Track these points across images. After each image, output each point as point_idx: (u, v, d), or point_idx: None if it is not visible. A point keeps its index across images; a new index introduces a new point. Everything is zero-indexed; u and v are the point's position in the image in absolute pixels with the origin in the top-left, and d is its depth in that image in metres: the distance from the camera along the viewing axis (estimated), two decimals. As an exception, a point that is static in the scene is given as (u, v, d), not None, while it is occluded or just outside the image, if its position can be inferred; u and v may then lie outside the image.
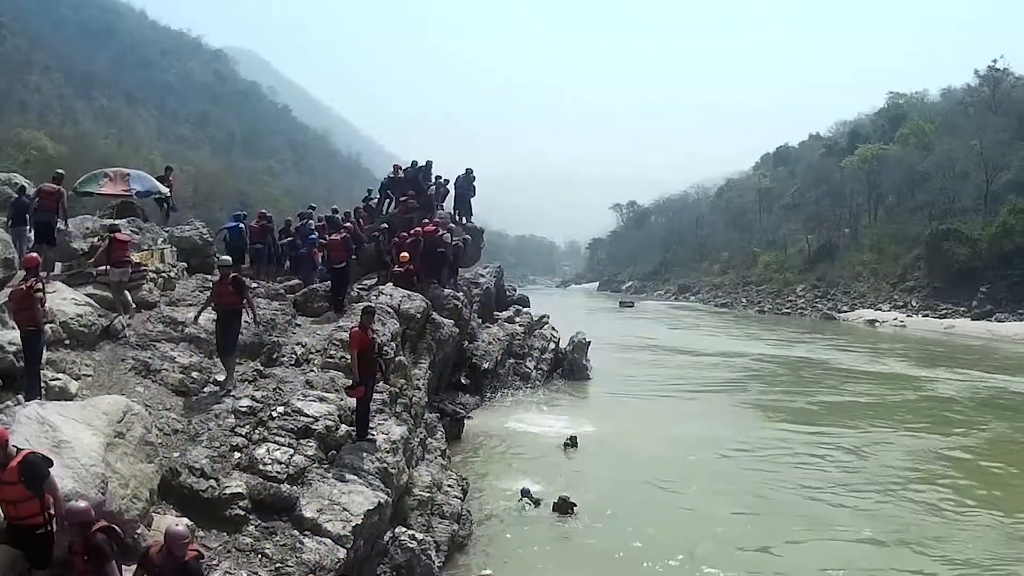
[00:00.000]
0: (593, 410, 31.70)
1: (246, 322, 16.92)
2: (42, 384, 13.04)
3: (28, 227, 20.58)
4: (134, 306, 18.38)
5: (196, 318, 17.40)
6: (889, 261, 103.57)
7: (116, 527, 8.92)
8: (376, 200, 37.37)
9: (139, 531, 10.14)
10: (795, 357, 52.42)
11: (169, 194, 28.09)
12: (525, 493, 19.23)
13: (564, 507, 18.70)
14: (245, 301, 16.42)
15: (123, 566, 9.00)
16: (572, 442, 25.20)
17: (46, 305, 13.58)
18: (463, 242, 34.20)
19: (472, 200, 38.72)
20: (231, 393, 15.51)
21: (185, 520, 11.05)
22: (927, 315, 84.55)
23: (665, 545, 17.21)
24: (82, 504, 8.72)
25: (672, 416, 31.38)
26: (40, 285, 13.41)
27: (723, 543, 17.60)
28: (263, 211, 32.11)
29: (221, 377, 16.46)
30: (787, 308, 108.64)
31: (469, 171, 38.37)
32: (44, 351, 13.51)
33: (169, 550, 8.76)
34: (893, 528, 18.88)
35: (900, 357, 53.12)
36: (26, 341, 13.05)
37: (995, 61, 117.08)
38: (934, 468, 24.47)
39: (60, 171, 22.76)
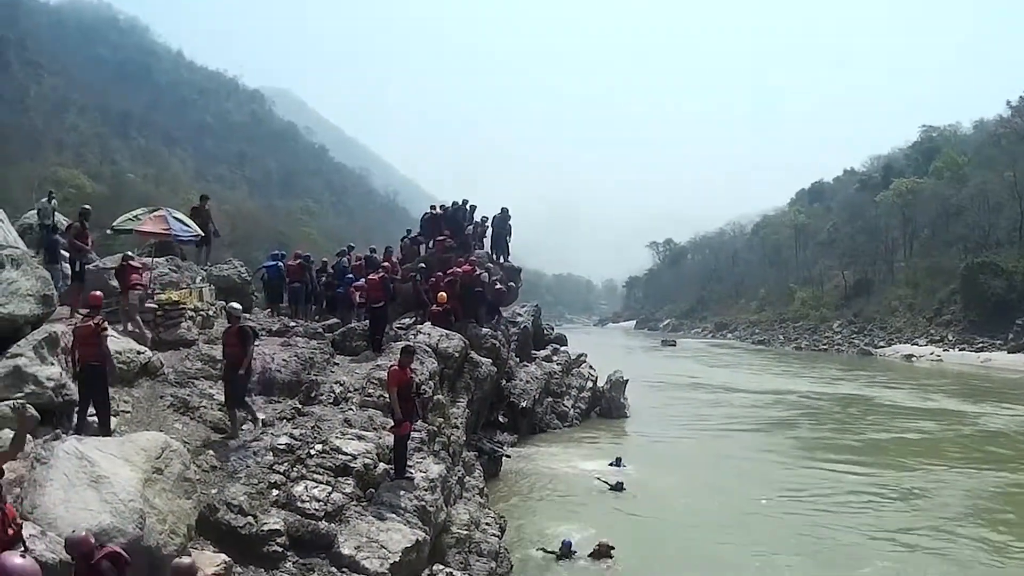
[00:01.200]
0: (633, 450, 31.15)
1: (253, 370, 16.70)
2: (90, 417, 13.29)
3: (59, 265, 20.69)
4: (148, 334, 18.49)
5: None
6: (925, 295, 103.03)
7: (123, 552, 8.81)
8: (420, 234, 37.39)
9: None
10: (840, 394, 51.80)
11: (211, 226, 28.15)
12: (565, 547, 18.40)
13: (603, 553, 18.30)
14: (246, 354, 15.65)
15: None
16: (618, 487, 24.55)
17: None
18: (502, 282, 34.13)
19: (509, 239, 38.76)
20: (245, 439, 15.31)
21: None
22: (964, 349, 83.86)
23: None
24: (81, 533, 8.65)
25: (717, 457, 30.95)
26: (106, 323, 13.76)
27: None
28: (299, 251, 32.30)
29: (261, 415, 16.48)
30: (824, 344, 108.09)
31: (505, 210, 38.44)
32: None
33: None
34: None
35: (944, 392, 52.40)
36: (90, 376, 13.36)
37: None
38: (993, 507, 23.88)
39: (86, 206, 22.82)
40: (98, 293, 14.96)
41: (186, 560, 8.91)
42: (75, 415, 13.55)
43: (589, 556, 18.23)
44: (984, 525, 21.89)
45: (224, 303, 25.84)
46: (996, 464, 29.64)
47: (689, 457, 30.96)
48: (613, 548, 18.37)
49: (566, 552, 18.09)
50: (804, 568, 18.63)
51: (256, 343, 17.03)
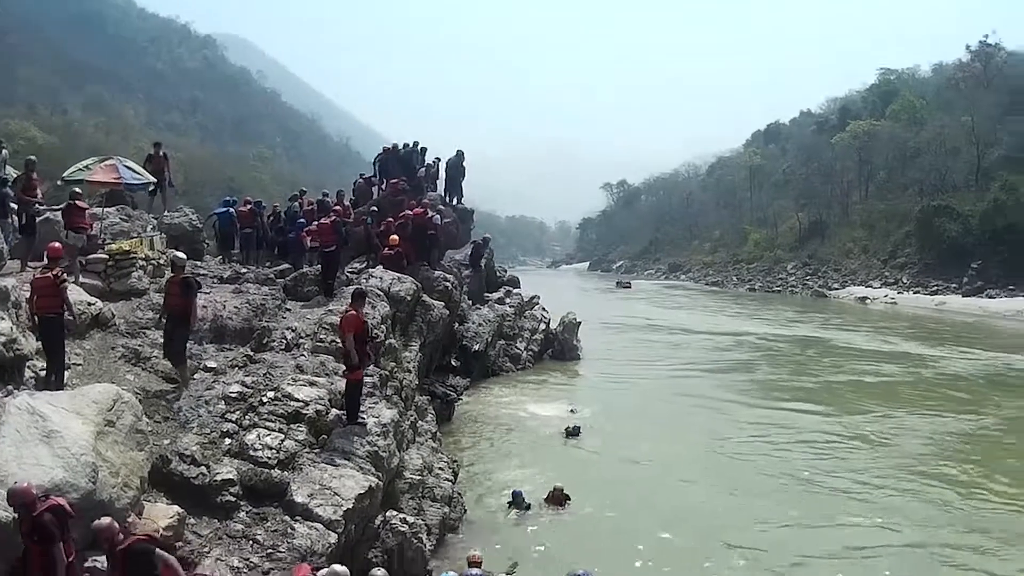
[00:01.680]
0: (587, 393, 31.62)
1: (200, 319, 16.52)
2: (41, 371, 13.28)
3: (9, 219, 20.48)
4: (79, 277, 18.40)
5: (160, 321, 16.34)
6: (880, 238, 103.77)
7: (65, 505, 8.86)
8: (373, 175, 37.29)
9: (130, 519, 10.17)
10: (797, 336, 52.62)
11: (167, 174, 27.89)
12: (516, 497, 18.32)
13: (557, 499, 18.37)
14: (188, 305, 15.44)
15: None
16: (574, 431, 24.70)
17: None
18: (453, 223, 34.10)
19: (463, 182, 38.71)
20: (190, 393, 15.12)
21: (106, 518, 11.13)
22: (918, 292, 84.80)
23: (664, 538, 16.89)
24: (22, 484, 8.68)
25: (674, 400, 31.07)
26: (65, 274, 13.82)
27: (730, 537, 17.02)
28: (249, 197, 32.17)
29: (212, 364, 16.48)
30: (778, 286, 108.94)
31: (460, 153, 38.37)
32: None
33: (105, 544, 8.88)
34: (917, 517, 18.40)
35: (901, 335, 53.15)
36: (48, 328, 13.35)
37: (987, 36, 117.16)
38: (957, 448, 24.29)
39: (31, 157, 22.45)
40: (57, 245, 14.84)
41: (105, 520, 8.97)
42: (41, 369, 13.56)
43: (544, 501, 18.31)
44: (948, 466, 22.28)
45: (175, 251, 25.86)
46: (956, 407, 30.06)
47: (645, 400, 31.09)
48: (569, 497, 18.44)
49: (518, 503, 18.03)
50: (769, 509, 18.73)
51: (200, 294, 17.02)
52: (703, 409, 29.33)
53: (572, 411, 27.64)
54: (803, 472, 21.60)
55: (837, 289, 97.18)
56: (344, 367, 15.84)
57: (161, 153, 27.59)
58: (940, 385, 34.97)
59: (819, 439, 25.14)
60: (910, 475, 21.36)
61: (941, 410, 29.38)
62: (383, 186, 36.04)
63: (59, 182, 23.44)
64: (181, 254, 16.80)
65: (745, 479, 20.90)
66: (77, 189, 20.62)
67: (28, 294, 13.65)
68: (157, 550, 9.07)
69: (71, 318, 13.87)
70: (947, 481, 20.99)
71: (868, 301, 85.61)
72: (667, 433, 25.52)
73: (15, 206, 20.66)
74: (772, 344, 48.35)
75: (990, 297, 75.65)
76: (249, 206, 29.73)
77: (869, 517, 18.31)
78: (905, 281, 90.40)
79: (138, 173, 24.03)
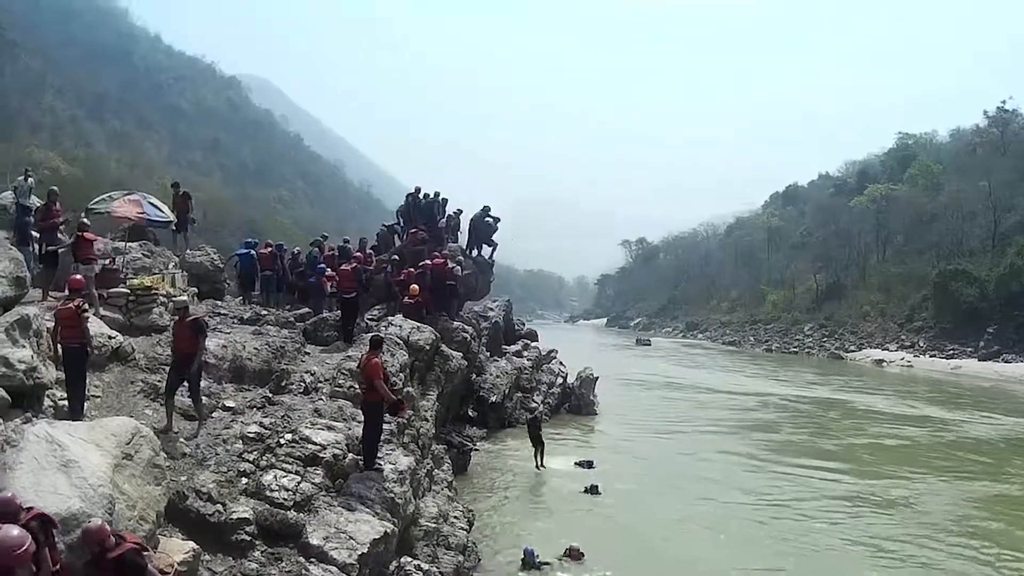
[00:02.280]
0: (603, 450, 31.14)
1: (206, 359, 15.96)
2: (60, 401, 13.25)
3: (31, 247, 20.51)
4: (99, 309, 18.40)
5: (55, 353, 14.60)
6: (897, 301, 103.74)
7: (51, 516, 8.75)
8: (401, 224, 37.41)
9: (146, 553, 10.10)
10: (817, 398, 52.08)
11: (189, 215, 27.96)
12: (528, 556, 17.54)
13: (573, 556, 17.88)
14: (199, 347, 14.98)
15: None
16: (593, 489, 24.04)
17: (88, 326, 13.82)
18: (473, 275, 34.10)
19: (493, 236, 38.69)
20: (208, 431, 15.01)
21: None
22: (934, 355, 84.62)
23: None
24: (6, 494, 8.55)
25: (692, 459, 30.68)
26: (86, 305, 13.91)
27: None
28: (270, 240, 32.29)
29: (231, 403, 16.45)
30: (795, 347, 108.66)
31: (486, 208, 38.41)
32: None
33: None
34: None
35: (921, 399, 52.80)
36: (72, 358, 13.41)
37: (1004, 102, 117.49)
38: (978, 516, 23.40)
39: (53, 188, 22.55)
40: (78, 276, 14.91)
41: (96, 522, 8.88)
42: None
43: (559, 559, 17.87)
44: (970, 535, 21.48)
45: (196, 289, 25.91)
46: (978, 473, 29.50)
47: (663, 458, 30.65)
48: (583, 554, 18.01)
49: (530, 562, 17.41)
50: (792, 573, 18.36)
51: (220, 333, 16.97)
52: (723, 468, 28.80)
53: (584, 464, 27.36)
54: (828, 536, 20.95)
55: (854, 351, 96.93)
56: (367, 413, 15.80)
57: (181, 192, 27.66)
58: (962, 448, 34.50)
59: (843, 502, 24.50)
60: (937, 540, 20.82)
61: (965, 475, 28.90)
62: (404, 235, 36.14)
63: (83, 214, 23.49)
64: (183, 297, 17.10)
65: (767, 542, 20.35)
66: (85, 220, 20.70)
67: (52, 324, 13.69)
68: (149, 566, 8.97)
69: (89, 350, 13.83)
70: (976, 546, 20.49)
71: (884, 364, 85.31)
72: (686, 493, 24.95)
73: (36, 234, 20.75)
74: (793, 405, 47.92)
75: (1006, 362, 75.31)
76: (270, 249, 29.77)
77: None
78: (921, 344, 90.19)
79: (161, 210, 24.09)
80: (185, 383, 14.92)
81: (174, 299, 16.45)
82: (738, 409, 45.61)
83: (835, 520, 22.57)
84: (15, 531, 7.62)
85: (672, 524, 21.66)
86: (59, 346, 13.45)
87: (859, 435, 37.43)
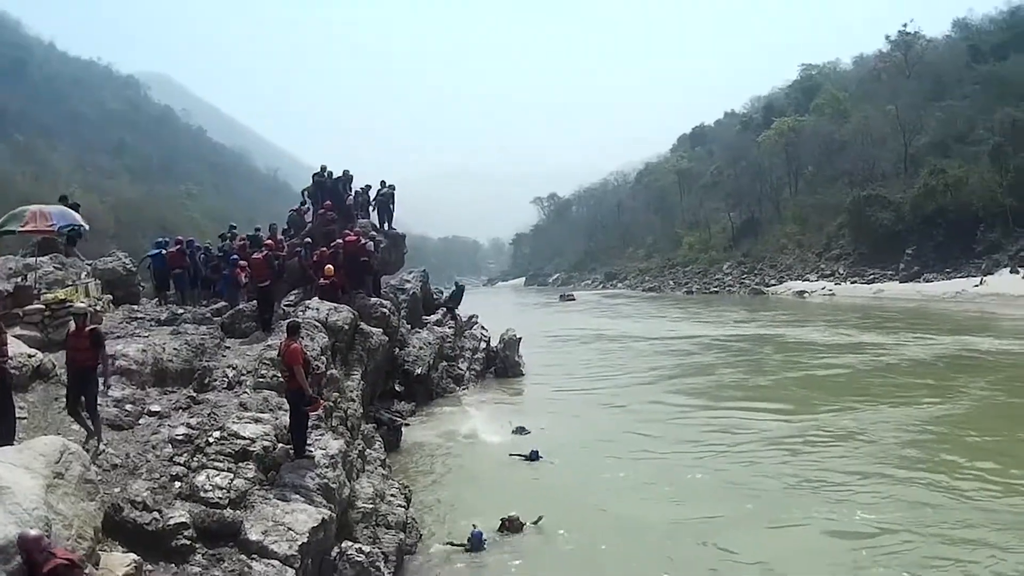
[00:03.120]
0: (534, 410, 30.96)
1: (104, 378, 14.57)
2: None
3: None
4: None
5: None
6: (813, 232, 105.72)
7: None
8: (308, 206, 37.29)
9: (87, 571, 10.16)
10: (748, 335, 52.92)
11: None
12: (476, 540, 16.94)
13: (513, 528, 17.60)
14: (100, 358, 14.10)
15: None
16: (533, 456, 23.56)
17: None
18: (386, 249, 34.03)
19: (392, 210, 38.74)
20: (136, 438, 14.88)
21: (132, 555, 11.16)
22: (855, 282, 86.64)
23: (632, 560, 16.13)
24: None
25: (629, 411, 30.41)
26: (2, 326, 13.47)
27: (705, 546, 16.38)
28: (180, 237, 32.06)
29: (156, 407, 16.43)
30: (715, 287, 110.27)
31: (383, 183, 38.49)
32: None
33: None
34: (908, 510, 17.80)
35: (855, 326, 53.80)
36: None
37: (905, 25, 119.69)
38: (931, 439, 23.66)
39: None
40: None
41: (33, 532, 8.97)
42: None
43: (497, 532, 17.58)
44: (922, 461, 21.48)
45: (111, 296, 25.70)
46: (922, 396, 29.81)
47: (597, 415, 30.30)
48: (524, 523, 17.76)
49: (477, 546, 16.92)
50: (745, 515, 18.22)
51: (137, 337, 16.78)
52: (661, 419, 28.44)
53: (519, 431, 27.19)
54: (779, 478, 20.78)
55: (775, 285, 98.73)
56: (292, 401, 15.72)
57: (70, 204, 27.29)
58: (901, 372, 35.30)
59: (791, 439, 24.59)
60: (891, 468, 20.99)
61: (909, 399, 29.22)
62: (314, 217, 36.03)
63: (-8, 237, 23.19)
64: (81, 303, 15.90)
65: (717, 491, 20.15)
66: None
67: None
68: None
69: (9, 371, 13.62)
70: (929, 469, 20.67)
71: (807, 295, 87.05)
72: (626, 447, 24.63)
73: None
74: (724, 344, 48.65)
75: (927, 281, 77.48)
76: (179, 246, 29.59)
77: (858, 514, 17.76)
78: (842, 272, 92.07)
79: (70, 216, 23.84)
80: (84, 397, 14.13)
81: (72, 306, 15.36)
82: (669, 354, 46.19)
83: (783, 460, 22.47)
84: None
85: (615, 482, 21.45)
86: None
87: (795, 369, 37.96)
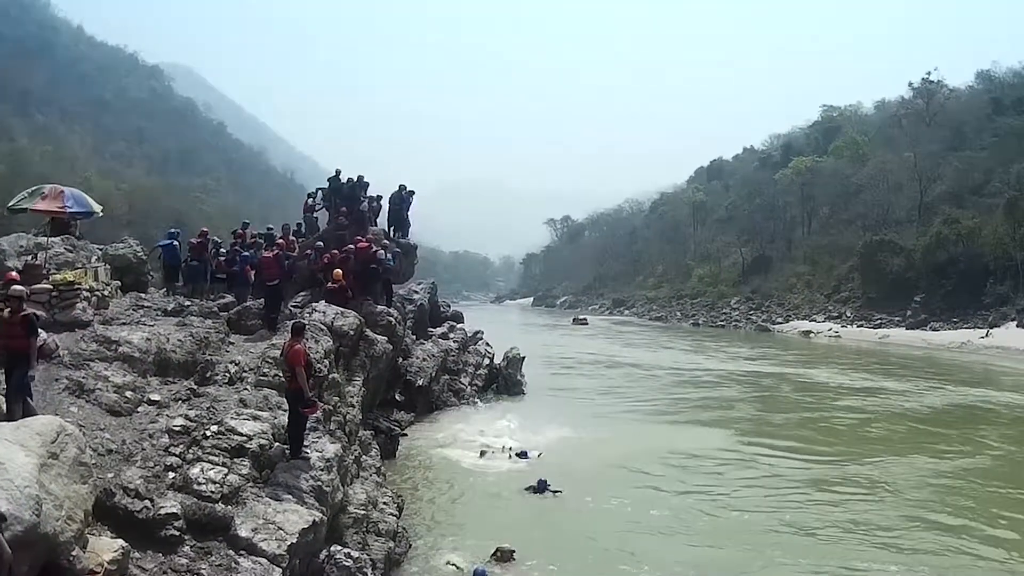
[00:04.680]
0: (533, 430, 29.96)
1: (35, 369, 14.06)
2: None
3: None
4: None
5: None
6: (823, 273, 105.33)
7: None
8: (321, 206, 37.65)
9: (74, 553, 10.13)
10: (760, 372, 52.04)
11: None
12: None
13: (503, 557, 16.74)
14: (30, 346, 13.58)
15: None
16: (541, 486, 22.02)
17: None
18: (393, 257, 33.87)
19: (408, 215, 38.70)
20: (134, 426, 15.02)
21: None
22: (862, 325, 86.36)
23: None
24: None
25: (635, 440, 29.29)
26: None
27: None
28: (204, 229, 32.12)
29: (156, 397, 16.43)
30: (721, 321, 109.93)
31: (402, 187, 38.40)
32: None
33: None
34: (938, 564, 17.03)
35: (865, 370, 52.90)
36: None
37: (929, 74, 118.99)
38: (962, 492, 22.56)
39: None
40: (12, 274, 14.80)
41: None
42: None
43: (487, 562, 16.55)
44: (954, 514, 20.49)
45: (119, 282, 25.72)
46: (947, 446, 28.74)
47: (601, 440, 29.29)
48: (514, 551, 16.87)
49: None
50: (762, 561, 17.30)
51: (143, 325, 16.73)
52: (671, 451, 27.19)
53: (520, 455, 26.02)
54: (797, 520, 19.93)
55: (781, 323, 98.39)
56: (292, 401, 15.74)
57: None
58: (921, 420, 34.34)
59: (814, 483, 23.62)
60: (924, 522, 19.99)
61: (933, 449, 28.12)
62: (330, 220, 36.11)
63: (4, 211, 23.23)
64: (19, 286, 14.53)
65: (730, 529, 19.23)
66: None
67: None
68: None
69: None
70: (961, 526, 19.64)
71: (812, 335, 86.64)
72: (632, 480, 23.65)
73: None
74: (740, 379, 47.82)
75: (934, 330, 76.95)
76: (201, 239, 29.67)
77: (891, 568, 16.86)
78: (849, 315, 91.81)
79: (85, 202, 23.90)
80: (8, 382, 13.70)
81: (14, 288, 14.20)
82: (683, 385, 45.46)
83: (808, 504, 21.52)
84: None
85: (617, 513, 20.52)
86: None
87: (813, 410, 36.83)
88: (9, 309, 13.68)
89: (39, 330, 14.34)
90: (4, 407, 13.47)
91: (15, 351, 13.45)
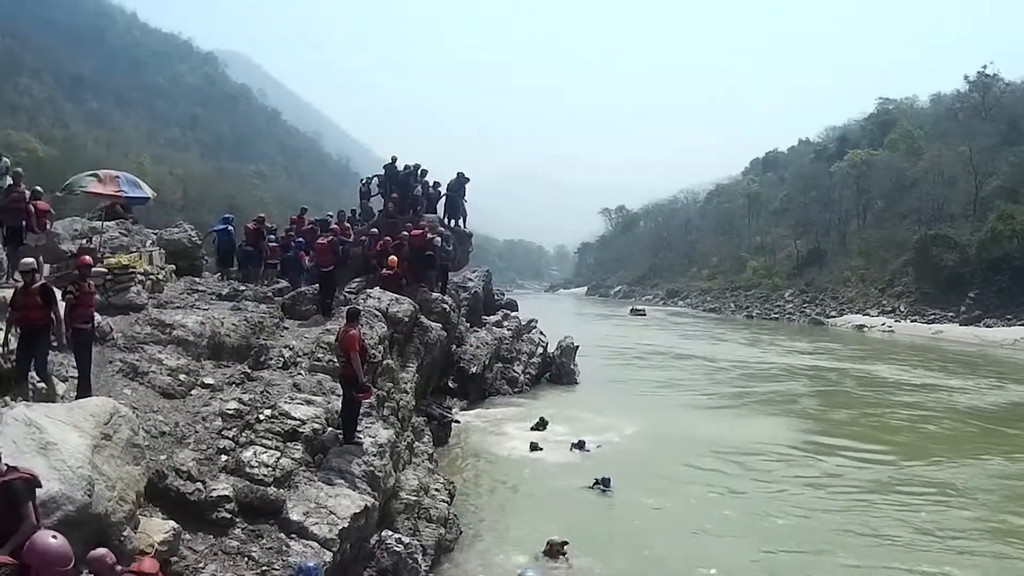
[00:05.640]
0: (588, 422, 29.36)
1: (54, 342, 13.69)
2: (30, 387, 13.04)
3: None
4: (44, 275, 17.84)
5: (5, 341, 13.75)
6: (877, 266, 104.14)
7: (35, 475, 8.59)
8: (376, 193, 38.00)
9: (125, 533, 10.11)
10: (820, 366, 50.92)
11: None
12: None
13: (555, 550, 16.23)
14: (53, 315, 13.26)
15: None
16: (604, 483, 21.14)
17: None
18: (447, 242, 33.64)
19: (464, 205, 38.59)
20: (187, 408, 15.05)
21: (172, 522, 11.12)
22: (915, 320, 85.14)
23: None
24: None
25: (694, 434, 28.59)
26: (49, 286, 13.45)
27: None
28: (262, 215, 32.25)
29: (209, 380, 16.46)
30: (775, 313, 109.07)
31: (460, 175, 38.32)
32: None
33: None
34: None
35: (922, 366, 51.82)
36: (32, 339, 13.16)
37: (985, 67, 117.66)
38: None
39: (18, 169, 22.12)
40: (87, 256, 14.90)
41: (100, 550, 8.78)
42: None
43: (537, 558, 16.28)
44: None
45: (174, 266, 25.84)
46: (1010, 445, 27.82)
47: (658, 434, 28.44)
48: (567, 543, 16.37)
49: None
50: (831, 566, 16.53)
51: (197, 310, 16.83)
52: (732, 447, 26.41)
53: (577, 447, 25.41)
54: (864, 522, 19.16)
55: (834, 317, 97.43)
56: (346, 386, 15.79)
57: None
58: (986, 419, 33.09)
59: (877, 483, 22.67)
60: (997, 527, 19.15)
61: (1002, 450, 26.96)
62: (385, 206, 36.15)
63: (59, 192, 23.35)
64: (29, 259, 14.07)
65: (793, 530, 18.64)
66: (38, 188, 20.57)
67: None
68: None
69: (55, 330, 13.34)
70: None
71: (865, 329, 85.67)
72: (692, 472, 23.21)
73: None
74: (801, 374, 46.84)
75: (988, 326, 75.76)
76: (257, 225, 29.77)
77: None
78: (902, 310, 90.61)
79: (140, 187, 23.96)
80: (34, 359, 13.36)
81: (23, 261, 14.01)
82: (742, 379, 44.81)
83: (876, 507, 20.50)
84: (57, 542, 7.54)
85: (678, 516, 19.55)
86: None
87: (878, 406, 35.56)
88: (23, 282, 13.41)
89: (58, 300, 13.73)
90: (50, 388, 13.40)
91: (33, 322, 13.16)
